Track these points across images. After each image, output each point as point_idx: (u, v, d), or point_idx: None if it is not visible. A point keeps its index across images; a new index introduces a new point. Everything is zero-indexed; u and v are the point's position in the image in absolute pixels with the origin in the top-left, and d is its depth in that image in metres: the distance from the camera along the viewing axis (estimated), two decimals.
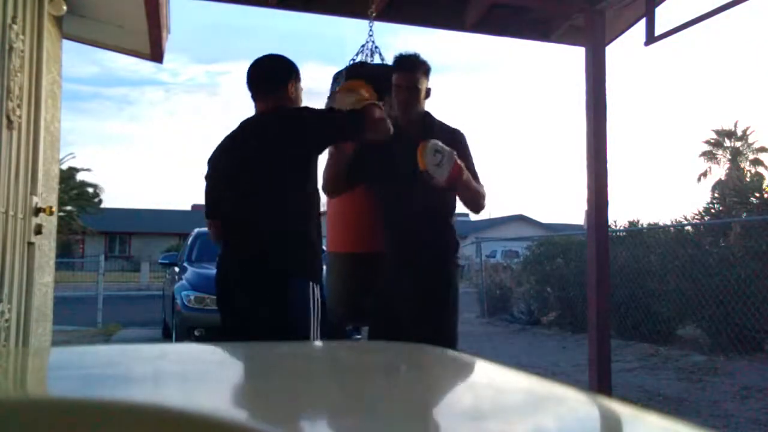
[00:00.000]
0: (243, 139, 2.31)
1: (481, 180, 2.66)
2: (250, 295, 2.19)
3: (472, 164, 2.66)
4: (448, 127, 2.71)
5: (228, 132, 2.40)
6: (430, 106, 2.74)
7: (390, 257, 2.66)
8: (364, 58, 3.08)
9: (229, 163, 2.32)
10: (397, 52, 2.66)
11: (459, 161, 2.47)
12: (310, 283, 2.19)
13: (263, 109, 2.33)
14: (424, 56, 2.64)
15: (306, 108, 2.31)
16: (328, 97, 2.57)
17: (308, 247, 2.23)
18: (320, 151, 2.33)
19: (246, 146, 2.28)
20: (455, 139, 2.62)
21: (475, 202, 2.64)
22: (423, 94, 2.64)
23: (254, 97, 2.35)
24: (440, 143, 2.44)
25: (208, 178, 2.43)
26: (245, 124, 2.35)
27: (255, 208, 2.23)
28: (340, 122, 2.30)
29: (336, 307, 3.01)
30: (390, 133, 2.35)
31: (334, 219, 2.97)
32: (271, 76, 2.35)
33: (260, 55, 2.41)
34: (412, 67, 2.60)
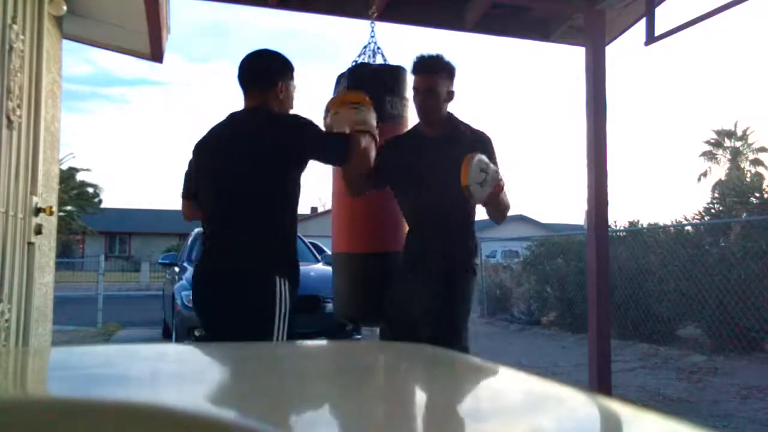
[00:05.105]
0: (229, 133, 2.27)
1: (507, 187, 2.52)
2: (215, 291, 2.19)
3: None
4: (473, 129, 2.59)
5: (217, 122, 2.34)
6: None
7: (406, 260, 2.60)
8: (366, 59, 3.08)
9: (213, 154, 2.27)
10: (418, 53, 2.52)
11: (502, 180, 2.37)
12: (277, 281, 2.12)
13: (251, 106, 2.28)
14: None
15: (306, 123, 2.22)
16: (328, 104, 2.47)
17: (278, 245, 2.18)
18: (301, 165, 2.25)
19: (230, 140, 2.24)
20: (480, 142, 2.52)
21: (502, 216, 2.54)
22: (443, 97, 2.50)
23: (244, 92, 2.30)
24: (486, 159, 2.33)
25: (190, 163, 2.38)
26: (234, 118, 2.30)
27: (229, 203, 2.20)
28: (328, 145, 2.27)
29: (342, 307, 3.01)
30: (370, 169, 2.29)
31: (340, 219, 2.96)
32: (262, 73, 2.29)
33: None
34: (430, 69, 2.48)
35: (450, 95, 2.54)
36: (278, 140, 2.18)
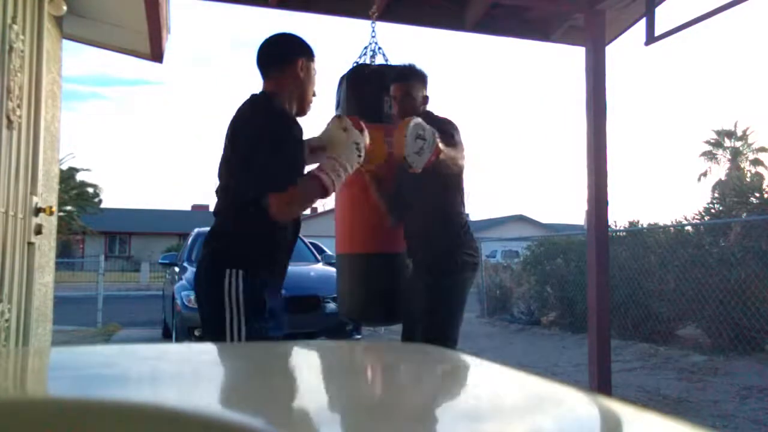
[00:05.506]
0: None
1: (457, 139, 2.58)
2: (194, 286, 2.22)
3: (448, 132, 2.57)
4: (436, 118, 2.71)
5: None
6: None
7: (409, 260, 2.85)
8: (367, 59, 3.09)
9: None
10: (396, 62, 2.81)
11: (440, 144, 2.37)
12: (227, 274, 2.00)
13: (264, 90, 2.20)
14: (421, 62, 2.78)
15: (252, 136, 2.01)
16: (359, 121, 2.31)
17: (233, 239, 2.07)
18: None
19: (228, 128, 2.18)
20: (434, 123, 2.52)
21: (457, 169, 2.62)
22: (418, 101, 2.75)
23: (261, 75, 2.23)
24: (423, 123, 2.32)
25: None
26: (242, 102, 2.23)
27: (216, 194, 2.18)
28: (245, 179, 2.02)
29: (346, 308, 3.03)
30: (287, 221, 2.08)
31: (343, 221, 2.98)
32: (267, 56, 2.20)
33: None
34: (404, 78, 2.75)
35: (425, 99, 2.78)
36: (236, 141, 2.06)
